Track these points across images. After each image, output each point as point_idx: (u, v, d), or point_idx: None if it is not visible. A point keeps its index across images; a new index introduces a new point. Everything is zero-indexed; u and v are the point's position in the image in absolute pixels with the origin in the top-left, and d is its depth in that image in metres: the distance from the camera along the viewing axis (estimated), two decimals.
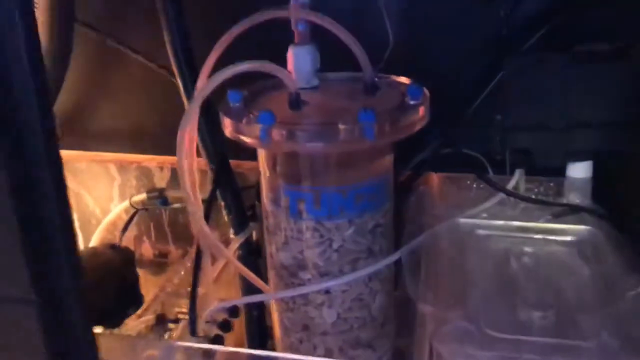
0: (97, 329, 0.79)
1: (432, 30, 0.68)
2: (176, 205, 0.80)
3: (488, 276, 0.49)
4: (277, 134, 0.44)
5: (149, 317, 0.67)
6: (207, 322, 0.57)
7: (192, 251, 0.80)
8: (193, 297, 0.55)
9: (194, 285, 0.55)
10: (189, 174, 0.52)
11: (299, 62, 0.51)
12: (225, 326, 0.57)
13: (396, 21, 0.62)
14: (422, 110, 0.47)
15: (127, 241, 0.88)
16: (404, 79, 0.53)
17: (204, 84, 0.47)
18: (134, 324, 0.67)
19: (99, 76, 0.81)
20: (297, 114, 0.47)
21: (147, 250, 0.88)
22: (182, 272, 0.71)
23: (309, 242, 0.50)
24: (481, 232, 0.56)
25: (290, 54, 0.51)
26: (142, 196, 0.81)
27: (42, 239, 0.31)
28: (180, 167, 0.50)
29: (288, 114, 0.47)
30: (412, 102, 0.48)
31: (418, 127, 0.47)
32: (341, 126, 0.44)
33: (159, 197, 0.79)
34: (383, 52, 0.61)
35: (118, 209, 0.85)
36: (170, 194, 0.79)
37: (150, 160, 0.83)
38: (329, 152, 0.46)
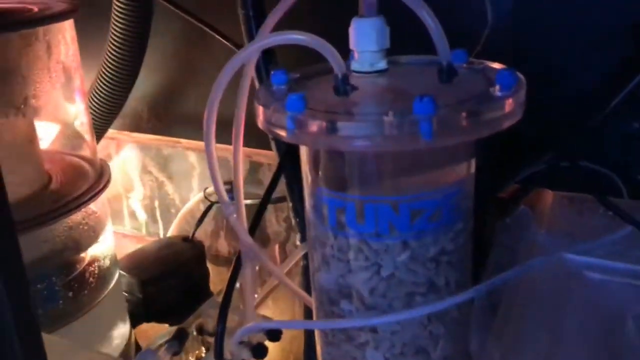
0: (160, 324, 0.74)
1: (549, 8, 0.53)
2: (249, 202, 0.73)
3: (590, 341, 0.35)
4: (305, 124, 0.34)
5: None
6: (240, 343, 0.48)
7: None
8: (223, 312, 0.47)
9: (226, 299, 0.47)
10: (237, 162, 0.44)
11: (361, 38, 0.40)
12: (259, 351, 0.48)
13: None
14: (510, 103, 0.35)
15: (204, 235, 0.82)
16: (498, 65, 0.41)
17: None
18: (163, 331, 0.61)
19: (184, 60, 0.76)
20: (341, 101, 0.37)
21: (222, 246, 0.81)
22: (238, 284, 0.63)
23: (352, 264, 0.39)
24: (593, 275, 0.42)
25: (352, 28, 0.40)
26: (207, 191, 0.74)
27: None
28: (208, 149, 0.42)
29: (331, 101, 0.37)
30: (498, 93, 0.35)
31: (505, 124, 0.35)
32: (387, 118, 0.33)
33: (230, 190, 0.72)
34: (480, 32, 0.48)
35: (195, 199, 0.80)
36: (245, 189, 0.72)
37: (228, 151, 0.76)
38: (370, 152, 0.35)
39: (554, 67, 0.52)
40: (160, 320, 0.74)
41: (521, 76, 0.37)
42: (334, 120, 0.33)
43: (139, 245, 0.79)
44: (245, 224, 0.49)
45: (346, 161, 0.38)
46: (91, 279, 0.56)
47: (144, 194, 0.88)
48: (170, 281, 0.74)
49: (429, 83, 0.39)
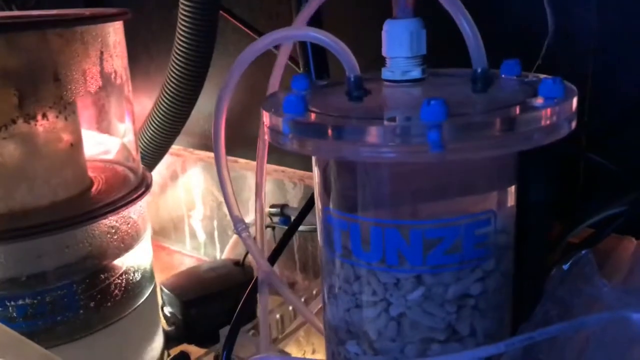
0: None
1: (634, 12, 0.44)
2: (303, 228, 0.69)
3: None
4: (300, 127, 0.30)
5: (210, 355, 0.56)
6: None
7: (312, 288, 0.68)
8: (230, 338, 0.43)
9: (235, 325, 0.43)
10: (261, 181, 0.40)
11: (392, 42, 0.35)
12: None
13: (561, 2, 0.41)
14: (549, 114, 0.28)
15: None
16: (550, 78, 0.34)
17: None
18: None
19: (248, 80, 0.75)
20: (350, 106, 0.32)
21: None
22: (278, 316, 0.59)
23: (357, 298, 0.34)
24: None
25: (384, 31, 0.36)
26: (266, 211, 0.71)
27: None
28: (217, 161, 0.39)
29: (338, 106, 0.32)
30: (536, 103, 0.29)
31: (543, 139, 0.29)
32: (387, 123, 0.27)
33: (281, 214, 0.69)
34: (540, 43, 0.41)
35: (250, 221, 0.77)
36: (296, 213, 0.68)
37: (284, 173, 0.73)
38: (376, 165, 0.30)
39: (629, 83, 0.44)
40: (200, 344, 0.71)
41: (571, 87, 0.31)
42: (325, 123, 0.28)
43: None
44: (264, 247, 0.45)
45: (354, 176, 0.33)
46: (116, 291, 0.54)
47: (204, 214, 0.87)
48: (214, 305, 0.71)
49: (463, 93, 0.33)
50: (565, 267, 0.42)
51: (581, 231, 0.48)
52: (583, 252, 0.43)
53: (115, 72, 0.56)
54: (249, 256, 0.76)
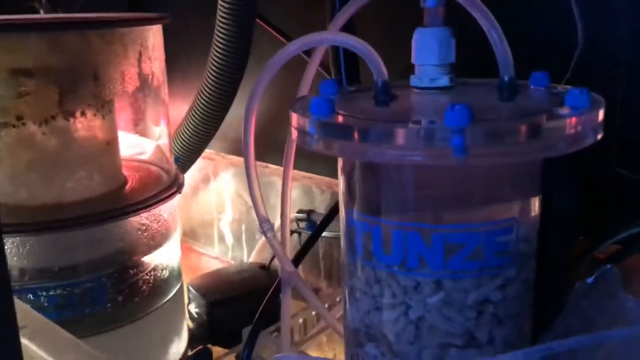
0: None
1: None
2: (329, 235, 0.69)
3: None
4: (325, 128, 0.30)
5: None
6: None
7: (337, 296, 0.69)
8: (252, 338, 0.44)
9: (257, 324, 0.44)
10: (286, 185, 0.41)
11: (421, 49, 0.36)
12: None
13: (591, 10, 0.41)
14: (573, 122, 0.28)
15: None
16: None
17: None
18: None
19: (281, 86, 0.76)
20: (376, 110, 0.33)
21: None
22: (301, 320, 0.59)
23: (377, 301, 0.34)
24: None
25: (413, 39, 0.36)
26: (292, 217, 0.72)
27: None
28: (246, 159, 0.40)
29: (364, 109, 0.33)
30: (561, 112, 0.29)
31: (566, 147, 0.29)
32: (412, 126, 0.28)
33: (307, 220, 0.69)
34: (571, 56, 0.41)
35: (277, 226, 0.77)
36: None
37: (312, 180, 0.74)
38: (399, 167, 0.31)
39: None
40: (224, 344, 0.72)
41: (599, 98, 0.31)
42: (351, 125, 0.29)
43: None
44: (287, 249, 0.46)
45: (378, 179, 0.33)
46: (144, 287, 0.55)
47: (232, 218, 0.88)
48: (238, 306, 0.72)
49: (489, 101, 0.34)
50: (589, 281, 0.42)
51: (607, 247, 0.47)
52: (608, 266, 0.42)
53: (153, 74, 0.58)
54: (275, 260, 0.76)
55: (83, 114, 0.52)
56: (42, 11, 0.74)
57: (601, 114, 0.30)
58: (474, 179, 0.32)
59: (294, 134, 0.34)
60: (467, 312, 0.33)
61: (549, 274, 0.38)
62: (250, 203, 0.83)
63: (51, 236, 0.50)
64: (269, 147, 0.78)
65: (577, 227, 0.44)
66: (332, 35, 0.37)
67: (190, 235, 0.96)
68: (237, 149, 0.86)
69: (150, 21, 0.54)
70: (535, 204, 0.34)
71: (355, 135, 0.29)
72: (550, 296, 0.38)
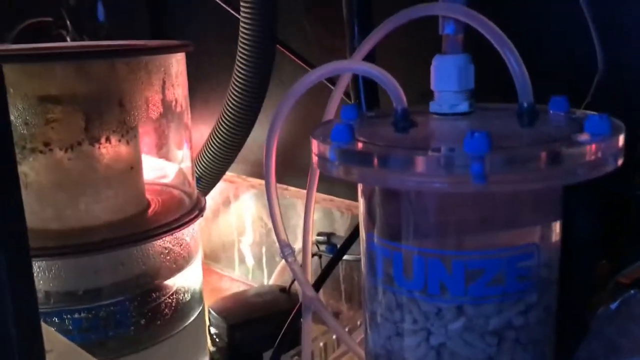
0: None
1: None
2: (349, 258, 0.69)
3: None
4: (346, 155, 0.31)
5: None
6: None
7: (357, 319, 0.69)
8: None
9: (277, 352, 0.44)
10: (309, 209, 0.41)
11: (441, 76, 0.36)
12: None
13: (611, 35, 0.41)
14: (593, 149, 0.28)
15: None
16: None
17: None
18: None
19: (302, 110, 0.77)
20: (397, 137, 0.33)
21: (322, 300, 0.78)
22: (322, 343, 0.59)
23: (398, 326, 0.34)
24: None
25: (433, 66, 0.37)
26: (313, 239, 0.72)
27: None
28: (267, 183, 0.40)
29: (385, 136, 0.33)
30: (581, 139, 0.29)
31: (586, 174, 0.29)
32: (432, 153, 0.28)
33: (327, 243, 0.69)
34: (590, 80, 0.41)
35: (298, 249, 0.78)
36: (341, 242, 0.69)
37: (333, 202, 0.74)
38: (420, 195, 0.31)
39: None
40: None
41: (619, 123, 0.31)
42: (371, 152, 0.29)
43: None
44: (309, 273, 0.46)
45: (398, 205, 0.33)
46: (166, 310, 0.55)
47: (253, 240, 0.88)
48: (259, 329, 0.72)
49: (508, 127, 0.34)
50: (613, 306, 0.42)
51: (631, 272, 0.47)
52: (632, 291, 0.42)
53: (176, 100, 0.59)
54: (295, 283, 0.77)
55: (108, 139, 0.53)
56: (68, 39, 0.76)
57: (621, 140, 0.30)
58: (495, 205, 0.32)
59: (315, 160, 0.34)
60: (488, 338, 0.32)
61: (571, 299, 0.38)
62: (270, 226, 0.83)
63: (76, 260, 0.51)
64: (289, 169, 0.79)
65: (599, 252, 0.44)
66: (352, 64, 0.37)
67: (211, 257, 0.97)
68: (258, 171, 0.87)
69: (175, 49, 0.55)
70: (557, 230, 0.34)
71: (375, 162, 0.29)
72: (573, 322, 0.38)
